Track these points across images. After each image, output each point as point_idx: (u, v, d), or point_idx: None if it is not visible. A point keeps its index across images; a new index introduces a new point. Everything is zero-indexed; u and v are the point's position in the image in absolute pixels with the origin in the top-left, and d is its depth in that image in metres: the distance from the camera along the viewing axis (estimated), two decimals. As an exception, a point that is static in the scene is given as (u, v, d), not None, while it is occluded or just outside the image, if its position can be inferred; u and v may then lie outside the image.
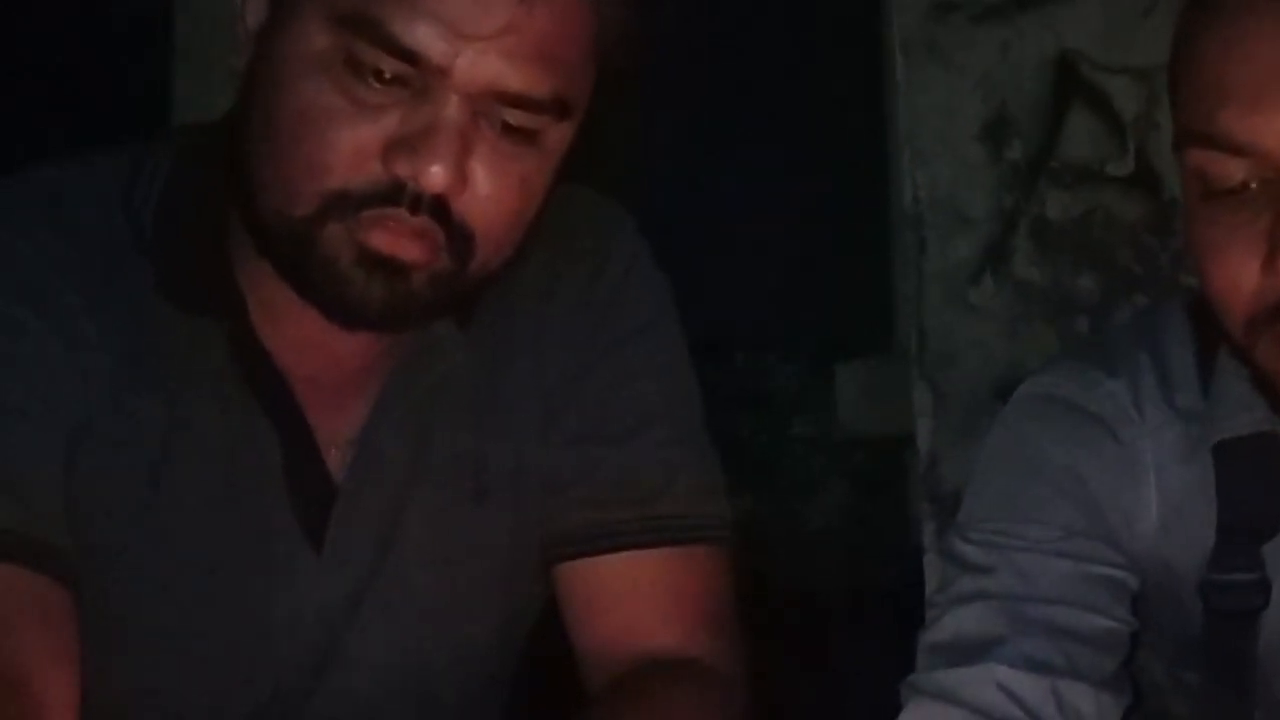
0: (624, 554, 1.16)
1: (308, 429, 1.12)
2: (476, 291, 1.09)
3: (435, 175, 1.00)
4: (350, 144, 1.01)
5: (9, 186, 1.13)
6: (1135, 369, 1.13)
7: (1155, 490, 1.11)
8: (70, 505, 1.06)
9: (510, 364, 1.17)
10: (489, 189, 1.03)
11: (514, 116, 1.02)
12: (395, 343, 1.12)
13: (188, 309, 1.08)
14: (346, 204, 1.01)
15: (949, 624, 1.10)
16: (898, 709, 1.10)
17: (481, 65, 1.00)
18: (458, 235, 1.03)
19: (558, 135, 1.06)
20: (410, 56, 0.99)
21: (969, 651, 1.08)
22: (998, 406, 1.21)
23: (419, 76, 1.00)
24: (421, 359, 1.13)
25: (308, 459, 1.12)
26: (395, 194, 1.01)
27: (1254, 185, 0.97)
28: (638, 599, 1.16)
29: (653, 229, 1.26)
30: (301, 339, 1.10)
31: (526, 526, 1.17)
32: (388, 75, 1.00)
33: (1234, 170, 0.98)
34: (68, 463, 1.06)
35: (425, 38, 0.99)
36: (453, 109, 1.00)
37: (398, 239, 1.02)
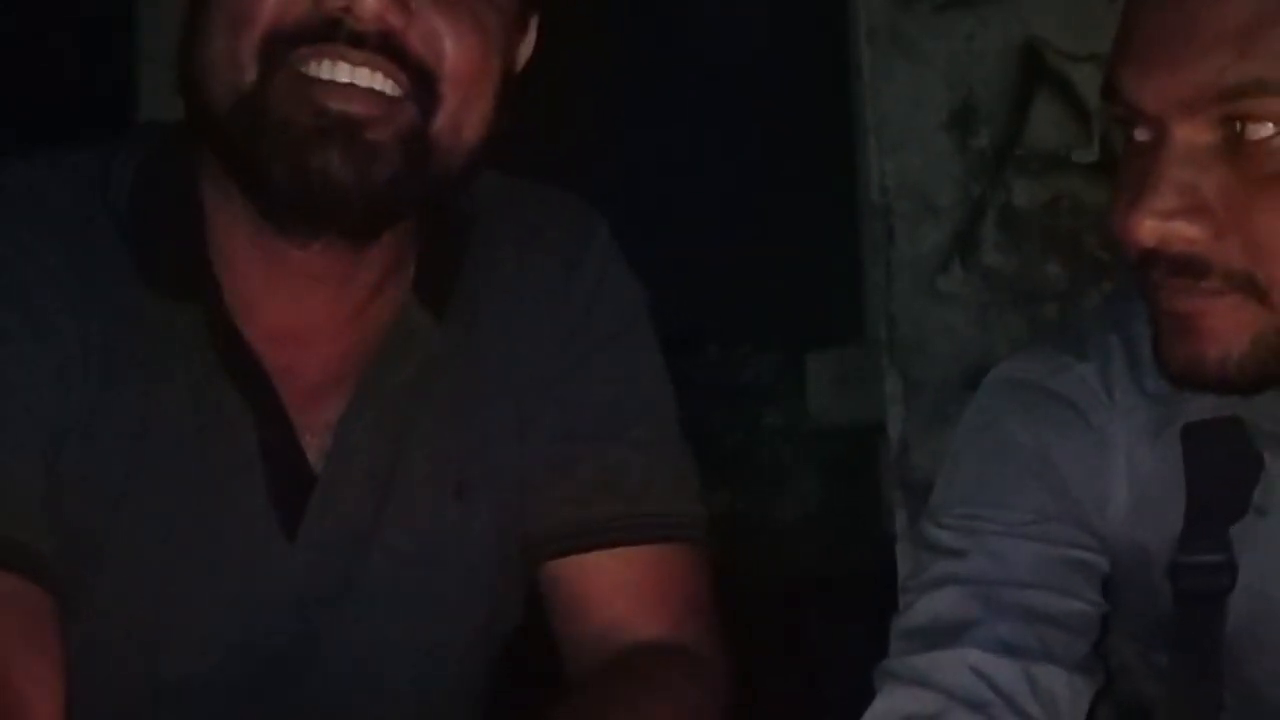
0: (613, 551, 1.17)
1: (285, 415, 1.11)
2: (443, 180, 1.07)
3: (370, 2, 0.98)
4: None
5: None
6: (1105, 353, 1.14)
7: (1125, 473, 1.12)
8: (53, 501, 1.06)
9: (481, 359, 1.17)
10: (438, 23, 1.02)
11: None
12: (372, 332, 1.12)
13: (164, 293, 1.08)
14: (282, 44, 1.00)
15: (922, 609, 1.11)
16: (872, 694, 1.10)
17: None
18: (416, 76, 1.02)
19: None
20: None
21: (942, 635, 1.08)
22: (968, 394, 1.21)
23: None
24: (398, 349, 1.13)
25: (285, 445, 1.12)
26: (329, 29, 0.99)
27: (1144, 139, 1.00)
28: (627, 594, 1.17)
29: (621, 223, 1.26)
30: (278, 326, 1.10)
31: (506, 524, 1.18)
32: None
33: (1128, 122, 1.01)
34: (49, 464, 1.06)
35: None
36: None
37: (349, 95, 1.00)
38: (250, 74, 1.01)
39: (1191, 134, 0.97)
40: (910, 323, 2.12)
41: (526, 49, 1.14)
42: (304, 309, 1.10)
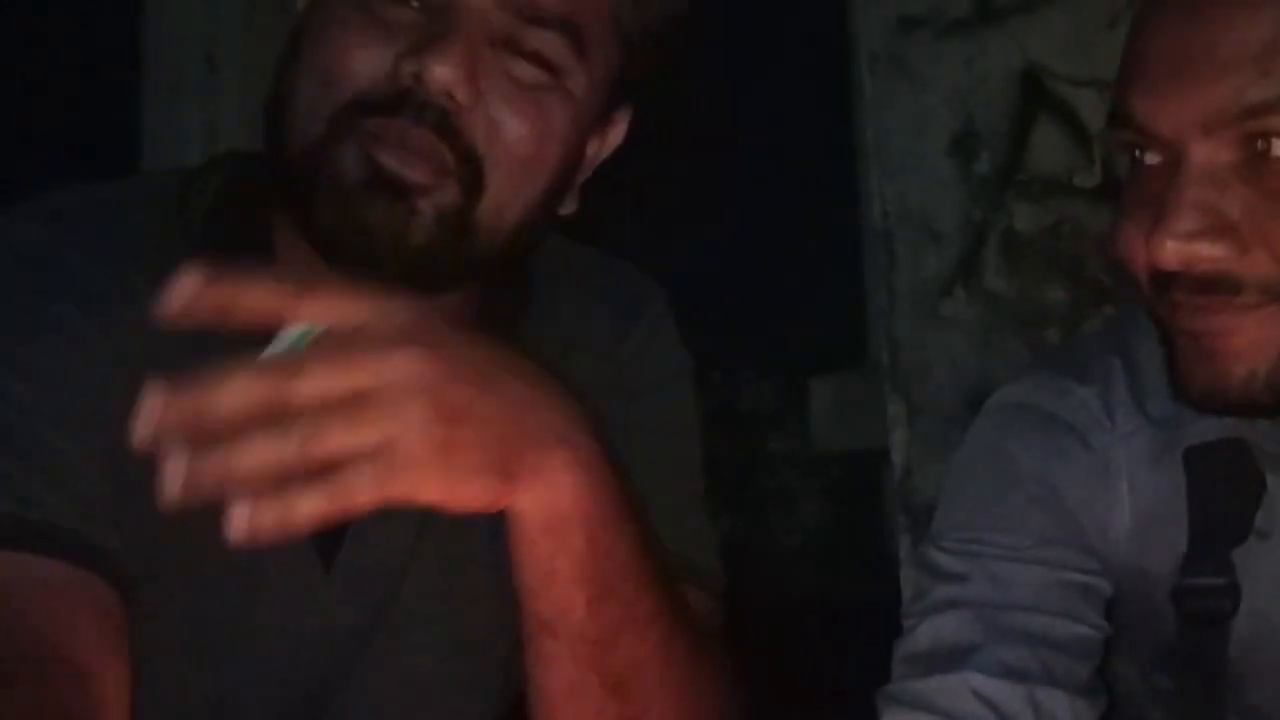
0: None
1: None
2: (485, 257, 1.09)
3: (440, 74, 1.01)
4: (365, 54, 1.03)
5: (63, 200, 1.15)
6: (1106, 376, 1.14)
7: (1128, 496, 1.12)
8: (118, 506, 1.06)
9: None
10: (501, 110, 1.04)
11: (529, 39, 1.04)
12: None
13: None
14: (355, 113, 1.03)
15: (925, 633, 1.11)
16: (875, 719, 1.10)
17: None
18: (465, 158, 1.04)
19: (580, 80, 1.07)
20: None
21: (945, 660, 1.09)
22: (971, 418, 1.21)
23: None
24: None
25: None
26: (400, 101, 1.02)
27: (1157, 162, 1.00)
28: None
29: (620, 249, 1.27)
30: None
31: None
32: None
33: (1139, 147, 1.01)
34: (115, 473, 1.06)
35: None
36: (465, 20, 1.02)
37: (404, 157, 1.03)
38: (321, 130, 1.04)
39: (1210, 154, 0.97)
40: (913, 347, 2.11)
41: (612, 138, 1.17)
42: None
